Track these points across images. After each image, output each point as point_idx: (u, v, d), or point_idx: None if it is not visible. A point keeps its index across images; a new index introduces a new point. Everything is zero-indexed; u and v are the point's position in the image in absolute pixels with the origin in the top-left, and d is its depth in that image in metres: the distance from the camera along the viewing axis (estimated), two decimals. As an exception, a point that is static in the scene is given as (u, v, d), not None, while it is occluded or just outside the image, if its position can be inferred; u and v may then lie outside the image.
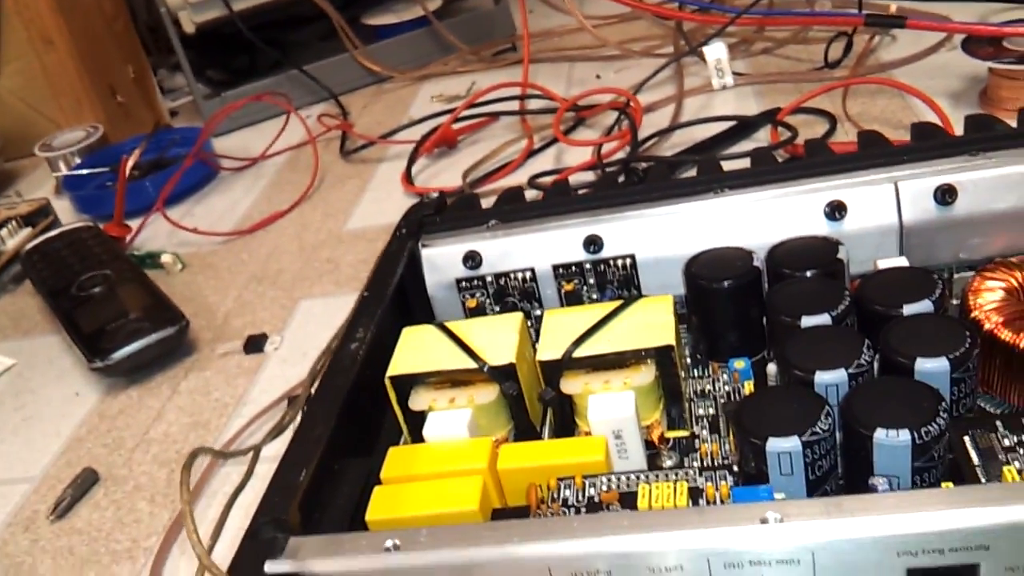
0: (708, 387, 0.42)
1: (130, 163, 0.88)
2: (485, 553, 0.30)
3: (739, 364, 0.42)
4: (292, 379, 0.55)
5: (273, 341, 0.63)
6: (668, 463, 0.38)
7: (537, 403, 0.41)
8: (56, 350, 0.68)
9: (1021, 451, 0.32)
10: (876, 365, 0.35)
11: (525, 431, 0.41)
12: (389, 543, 0.31)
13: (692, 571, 0.29)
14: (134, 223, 0.85)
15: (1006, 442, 0.33)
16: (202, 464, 0.51)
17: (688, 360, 0.43)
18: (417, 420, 0.40)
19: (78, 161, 0.99)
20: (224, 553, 0.33)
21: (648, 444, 0.39)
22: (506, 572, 0.30)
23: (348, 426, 0.39)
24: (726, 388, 0.41)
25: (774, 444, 0.32)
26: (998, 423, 0.33)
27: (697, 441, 0.38)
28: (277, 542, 0.32)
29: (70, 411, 0.61)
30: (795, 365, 0.35)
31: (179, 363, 0.63)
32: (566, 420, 0.40)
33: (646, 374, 0.38)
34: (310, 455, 0.37)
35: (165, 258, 0.78)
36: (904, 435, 0.31)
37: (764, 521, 0.28)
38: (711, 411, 0.40)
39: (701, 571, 0.29)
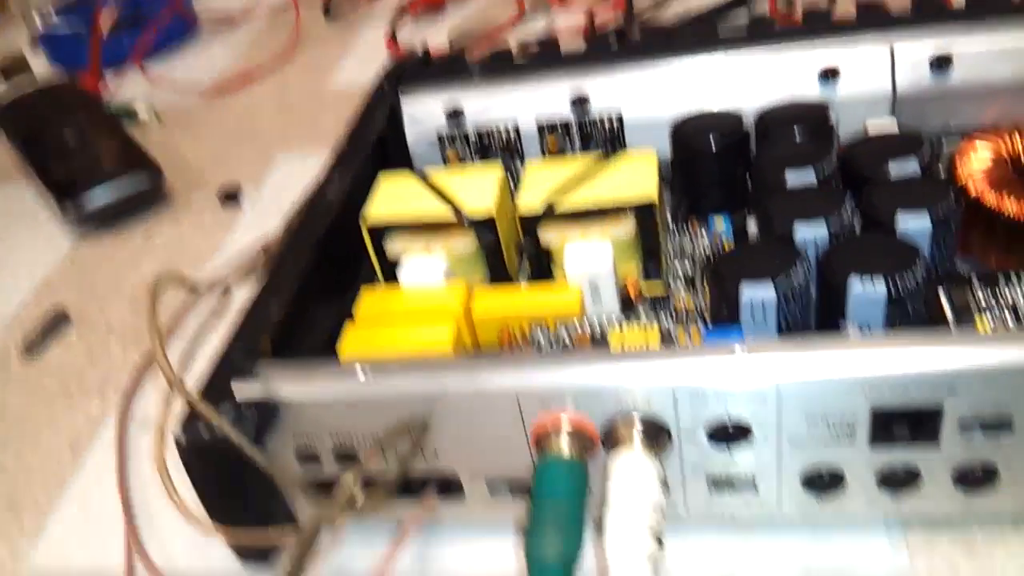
0: (687, 246, 0.41)
1: (106, 16, 0.85)
2: (455, 382, 0.30)
3: (720, 222, 0.41)
4: (269, 231, 0.54)
5: (250, 195, 0.62)
6: (643, 317, 0.38)
7: (514, 254, 0.41)
8: (29, 200, 0.67)
9: (997, 309, 0.32)
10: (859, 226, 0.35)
11: (501, 282, 0.40)
12: (359, 370, 0.31)
13: (658, 401, 0.29)
14: (111, 78, 0.82)
15: (982, 300, 0.33)
16: (174, 302, 0.50)
17: (669, 217, 0.43)
18: (393, 267, 0.40)
19: (54, 15, 0.96)
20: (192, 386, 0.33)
21: (624, 300, 0.38)
22: (475, 401, 0.30)
23: (323, 268, 0.39)
24: (706, 247, 0.41)
25: (748, 291, 0.32)
26: (975, 280, 0.33)
27: (672, 298, 0.38)
28: (247, 366, 0.32)
29: (42, 258, 0.60)
30: (775, 219, 0.35)
31: (154, 215, 0.62)
32: (543, 272, 0.40)
33: (626, 227, 0.38)
34: (284, 290, 0.36)
35: (141, 112, 0.76)
36: (879, 285, 0.31)
37: (731, 352, 0.28)
38: (689, 270, 0.40)
39: (667, 400, 0.29)
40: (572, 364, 0.29)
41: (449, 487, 0.33)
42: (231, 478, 0.31)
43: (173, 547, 0.38)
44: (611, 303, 0.37)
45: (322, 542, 0.35)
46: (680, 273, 0.40)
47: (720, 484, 0.31)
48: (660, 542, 0.27)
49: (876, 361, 0.27)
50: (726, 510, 0.32)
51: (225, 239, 0.58)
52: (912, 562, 0.32)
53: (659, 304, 0.38)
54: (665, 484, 0.29)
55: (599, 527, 0.28)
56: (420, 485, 0.33)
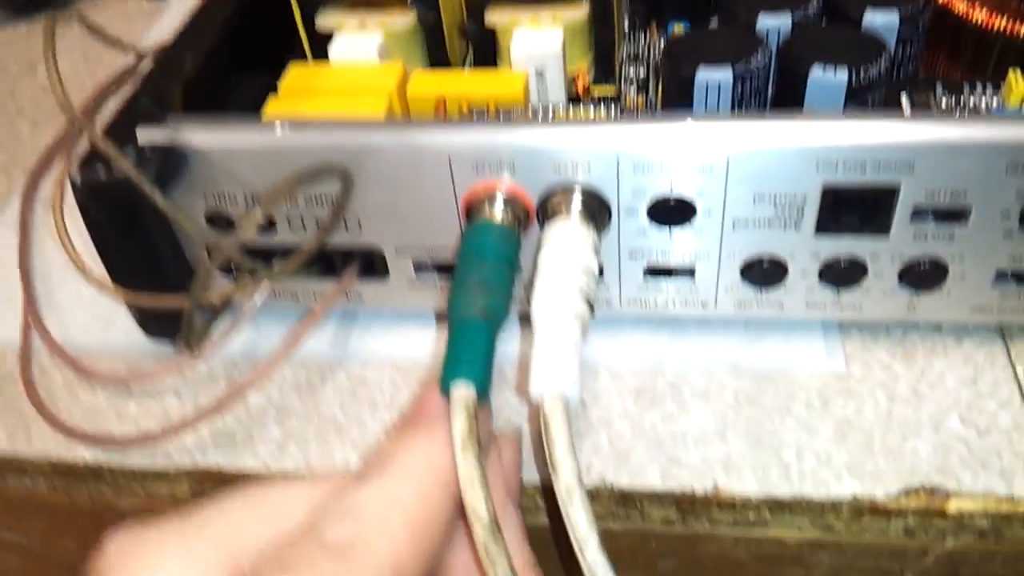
0: (643, 51, 0.39)
1: None
2: (381, 138, 0.27)
3: (679, 27, 0.39)
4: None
5: (179, -9, 0.58)
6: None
7: (457, 38, 0.38)
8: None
9: (958, 113, 0.31)
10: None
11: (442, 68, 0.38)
12: (278, 125, 0.28)
13: (600, 171, 0.27)
14: None
15: (943, 103, 0.31)
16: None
17: (626, 22, 0.40)
18: (323, 42, 0.37)
19: None
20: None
21: (572, 98, 0.36)
22: (403, 159, 0.28)
23: (247, 34, 0.36)
24: (662, 51, 0.38)
25: (704, 73, 0.30)
26: (938, 84, 0.32)
27: (623, 99, 0.36)
28: (154, 113, 0.29)
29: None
30: (739, 10, 0.33)
31: (73, 3, 0.58)
32: (487, 60, 0.37)
33: (578, 12, 0.35)
34: (200, 45, 0.33)
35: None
36: (841, 73, 0.29)
37: (681, 120, 0.26)
38: (642, 72, 0.38)
39: (609, 171, 0.27)
40: (511, 127, 0.27)
41: (373, 267, 0.31)
42: (130, 227, 0.29)
43: (74, 322, 0.36)
44: (557, 92, 0.35)
45: (238, 318, 0.33)
46: (633, 76, 0.37)
47: (657, 272, 0.30)
48: (590, 306, 0.26)
49: (832, 132, 0.25)
50: (660, 299, 0.30)
51: (149, 28, 0.54)
52: (848, 367, 0.31)
53: (608, 103, 0.36)
54: (597, 252, 0.27)
55: (528, 293, 0.26)
56: (343, 265, 0.31)
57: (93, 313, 0.36)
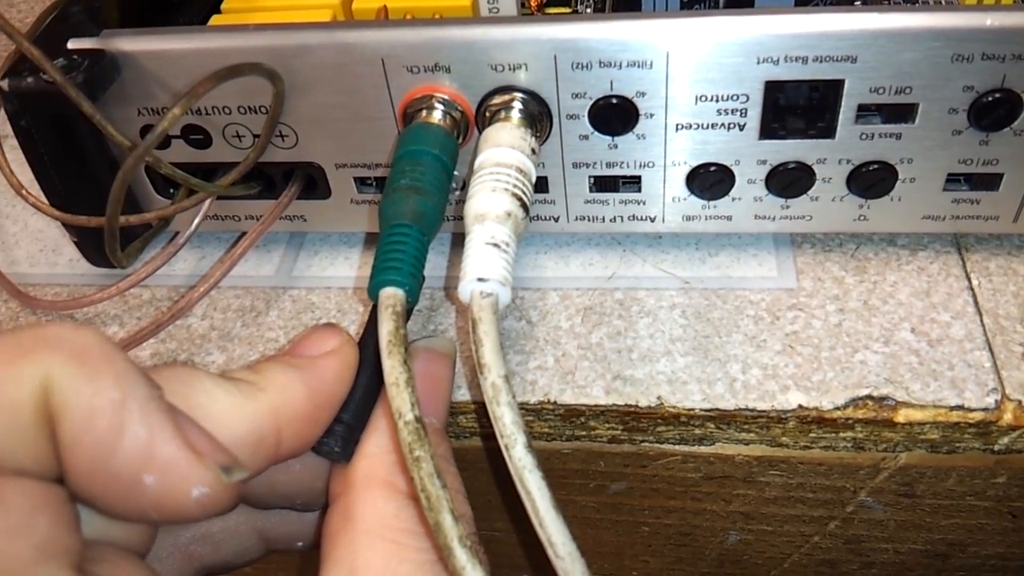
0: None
1: None
2: (311, 39, 0.27)
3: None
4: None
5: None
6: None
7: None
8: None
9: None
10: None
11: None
12: (212, 31, 0.28)
13: (538, 71, 0.26)
14: None
15: (898, 12, 0.30)
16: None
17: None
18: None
19: None
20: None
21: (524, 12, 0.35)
22: (334, 61, 0.27)
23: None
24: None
25: (652, -20, 0.29)
26: (895, -8, 0.31)
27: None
28: (86, 26, 0.29)
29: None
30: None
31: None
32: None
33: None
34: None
35: None
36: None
37: (617, 16, 0.25)
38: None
39: (548, 71, 0.26)
40: (446, 26, 0.26)
41: (315, 186, 0.31)
42: (63, 140, 0.28)
43: (20, 254, 0.35)
44: (509, 6, 0.34)
45: (176, 238, 0.32)
46: None
47: (602, 183, 0.29)
48: (525, 209, 0.25)
49: (770, 24, 0.25)
50: (608, 214, 0.30)
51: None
52: (800, 282, 0.30)
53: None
54: (535, 154, 0.26)
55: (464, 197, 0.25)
56: (284, 185, 0.31)
57: (39, 244, 0.36)
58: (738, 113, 0.26)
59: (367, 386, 0.24)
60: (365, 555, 0.21)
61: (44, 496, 0.18)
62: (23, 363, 0.18)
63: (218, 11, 0.33)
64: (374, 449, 0.23)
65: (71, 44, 0.28)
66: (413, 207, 0.24)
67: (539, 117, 0.27)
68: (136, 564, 0.21)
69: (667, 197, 0.29)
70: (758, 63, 0.25)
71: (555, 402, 0.28)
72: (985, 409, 0.26)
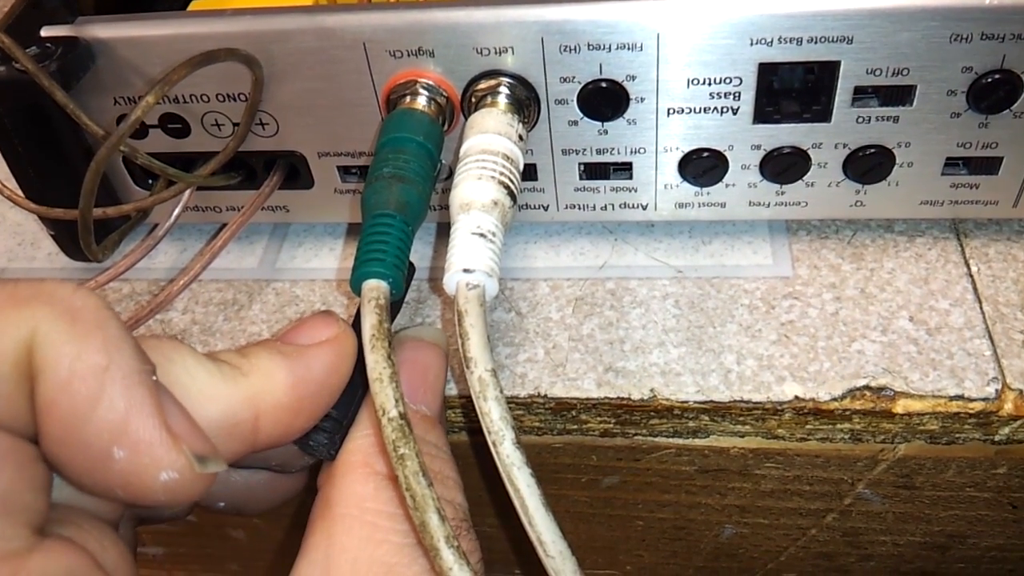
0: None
1: None
2: (290, 23, 0.26)
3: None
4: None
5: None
6: None
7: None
8: None
9: None
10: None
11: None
12: (188, 17, 0.27)
13: (524, 53, 0.25)
14: None
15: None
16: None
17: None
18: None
19: None
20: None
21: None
22: (315, 47, 0.26)
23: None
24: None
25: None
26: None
27: None
28: (62, 15, 0.28)
29: None
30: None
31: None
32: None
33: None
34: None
35: None
36: (785, -44, 0.27)
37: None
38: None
39: (535, 55, 0.25)
40: (430, 9, 0.26)
41: (297, 175, 0.30)
42: (37, 130, 0.27)
43: (-4, 247, 0.35)
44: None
45: (156, 230, 0.31)
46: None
47: (592, 170, 0.28)
48: (512, 197, 0.24)
49: (767, 3, 0.24)
50: (599, 201, 0.29)
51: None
52: (795, 270, 0.29)
53: None
54: (523, 141, 0.25)
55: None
56: (266, 175, 0.30)
57: (18, 238, 0.35)
58: (731, 97, 0.26)
59: (355, 381, 0.23)
60: (341, 539, 0.21)
61: (10, 450, 0.17)
62: (12, 313, 0.17)
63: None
64: (357, 440, 0.22)
65: (44, 32, 0.27)
66: (397, 196, 0.24)
67: (526, 102, 0.26)
68: (104, 531, 0.20)
69: (659, 184, 0.28)
70: (751, 44, 0.24)
71: (546, 395, 0.27)
72: (985, 399, 0.26)
